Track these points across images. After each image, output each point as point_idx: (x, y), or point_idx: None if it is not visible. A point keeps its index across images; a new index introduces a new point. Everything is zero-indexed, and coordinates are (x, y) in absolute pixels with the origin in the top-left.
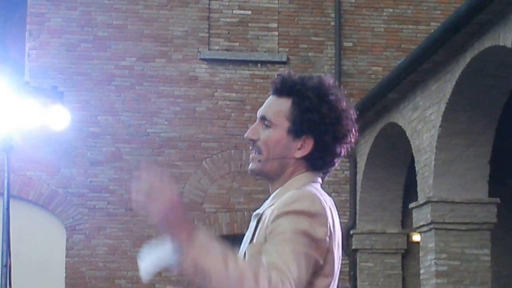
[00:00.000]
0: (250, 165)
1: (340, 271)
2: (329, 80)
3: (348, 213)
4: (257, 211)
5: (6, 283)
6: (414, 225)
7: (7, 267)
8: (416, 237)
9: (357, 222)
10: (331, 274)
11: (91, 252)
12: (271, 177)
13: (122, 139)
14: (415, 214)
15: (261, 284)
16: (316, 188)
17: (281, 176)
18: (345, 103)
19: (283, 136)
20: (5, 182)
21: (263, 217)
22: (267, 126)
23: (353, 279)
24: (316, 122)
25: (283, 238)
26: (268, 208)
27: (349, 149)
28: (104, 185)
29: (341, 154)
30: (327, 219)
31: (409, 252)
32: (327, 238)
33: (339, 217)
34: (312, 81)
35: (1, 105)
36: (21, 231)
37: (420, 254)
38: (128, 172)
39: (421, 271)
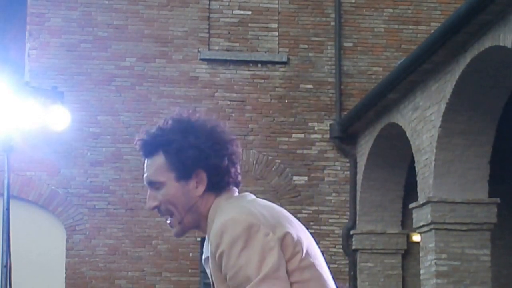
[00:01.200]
0: (174, 231)
1: (340, 271)
2: (184, 112)
3: (348, 213)
4: (203, 256)
5: (6, 283)
6: (414, 225)
7: (7, 267)
8: (416, 237)
9: (357, 222)
10: (300, 248)
11: (91, 252)
12: (194, 225)
13: (122, 139)
14: (415, 214)
15: None
16: (232, 200)
17: (201, 219)
18: (209, 122)
19: (176, 186)
20: (5, 182)
21: (209, 262)
22: (158, 188)
23: (353, 279)
24: (194, 155)
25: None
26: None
27: (236, 156)
28: (104, 185)
29: (236, 163)
30: (256, 223)
31: (409, 252)
32: (270, 235)
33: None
34: (168, 124)
35: (1, 105)
36: (21, 231)
37: (420, 254)
38: (128, 172)
39: (421, 271)
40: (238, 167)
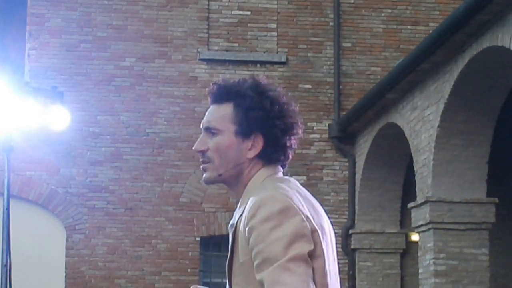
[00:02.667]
0: (204, 175)
1: (339, 271)
2: (264, 79)
3: (347, 213)
4: (231, 221)
5: (6, 283)
6: (413, 225)
7: (7, 266)
8: (414, 237)
9: (356, 221)
10: (321, 255)
11: (90, 251)
12: (229, 182)
13: (122, 139)
14: (413, 214)
15: None
16: (276, 179)
17: (239, 180)
18: (285, 97)
19: (232, 140)
20: (5, 182)
21: (238, 229)
22: (214, 134)
23: (352, 278)
24: (262, 118)
25: (275, 267)
26: (240, 218)
27: (296, 142)
28: (104, 185)
29: (293, 147)
30: (295, 207)
31: (408, 252)
32: (306, 223)
33: (338, 217)
34: (247, 82)
35: (1, 105)
36: (21, 230)
37: (419, 254)
38: (127, 172)
39: (420, 271)
40: (292, 151)
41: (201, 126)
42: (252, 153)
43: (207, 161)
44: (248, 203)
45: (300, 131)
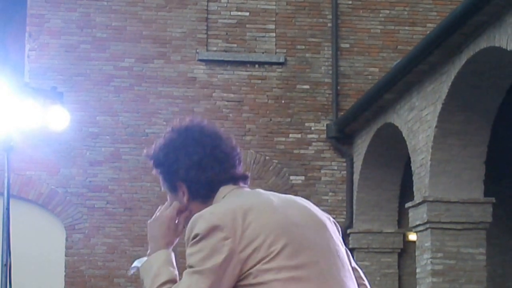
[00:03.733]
0: None
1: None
2: (178, 124)
3: (345, 212)
4: None
5: (6, 282)
6: (410, 225)
7: (7, 266)
8: (412, 236)
9: (353, 221)
10: (284, 267)
11: (90, 251)
12: None
13: (121, 139)
14: (411, 213)
15: None
16: (222, 200)
17: None
18: (182, 134)
19: (171, 196)
20: (5, 182)
21: None
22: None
23: None
24: (165, 171)
25: (184, 274)
26: None
27: (227, 157)
28: (103, 184)
29: (230, 169)
30: (222, 226)
31: (406, 251)
32: (231, 242)
33: (336, 217)
34: (163, 138)
35: (1, 105)
36: (21, 230)
37: (416, 253)
38: (127, 172)
39: (417, 270)
40: (225, 165)
41: None
42: (185, 199)
43: None
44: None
45: (220, 153)
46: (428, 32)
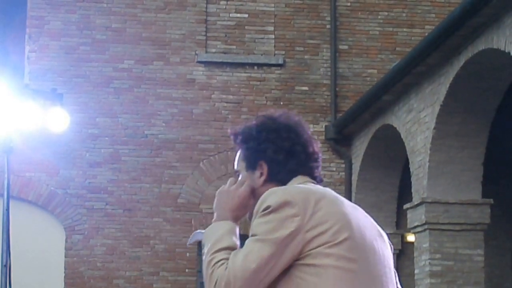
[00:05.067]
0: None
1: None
2: (270, 113)
3: None
4: None
5: (6, 283)
6: (409, 226)
7: (7, 267)
8: (410, 238)
9: None
10: (343, 257)
11: (89, 252)
12: None
13: (121, 140)
14: (409, 214)
15: (212, 274)
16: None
17: None
18: (285, 121)
19: (246, 175)
20: (5, 183)
21: None
22: (238, 175)
23: None
24: (254, 147)
25: (248, 241)
26: None
27: (311, 156)
28: (103, 186)
29: (308, 161)
30: (295, 203)
31: (404, 253)
32: (300, 221)
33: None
34: (252, 120)
35: (1, 107)
36: (20, 231)
37: (415, 254)
38: (126, 173)
39: (416, 271)
40: (311, 162)
41: None
42: (261, 180)
43: None
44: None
45: (309, 152)
46: (426, 34)
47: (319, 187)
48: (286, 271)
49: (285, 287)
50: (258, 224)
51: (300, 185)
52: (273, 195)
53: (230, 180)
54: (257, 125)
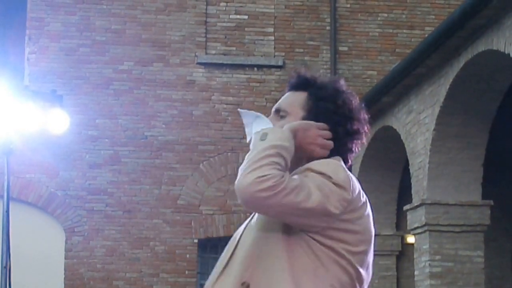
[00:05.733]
0: None
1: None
2: (344, 81)
3: None
4: None
5: (6, 284)
6: (409, 227)
7: (7, 268)
8: (410, 239)
9: None
10: (350, 264)
11: (89, 253)
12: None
13: (120, 142)
14: (409, 216)
15: (267, 167)
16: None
17: (300, 161)
18: (358, 104)
19: (295, 123)
20: (5, 184)
21: None
22: (282, 117)
23: None
24: (331, 111)
25: (310, 178)
26: None
27: (359, 148)
28: (103, 187)
29: (353, 150)
30: (350, 191)
31: (404, 254)
32: (345, 206)
33: None
34: (328, 78)
35: (1, 108)
36: (20, 233)
37: (415, 256)
38: (126, 174)
39: (416, 273)
40: (352, 156)
41: (273, 109)
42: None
43: None
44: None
45: (364, 139)
46: (426, 35)
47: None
48: (296, 235)
49: (295, 247)
50: (321, 180)
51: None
52: (335, 169)
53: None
54: (343, 92)
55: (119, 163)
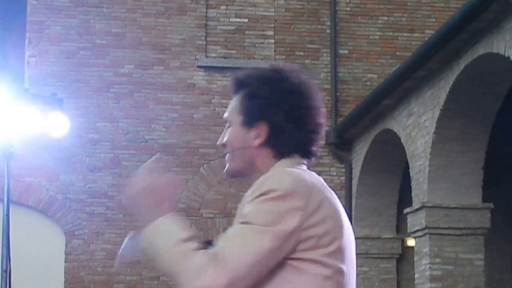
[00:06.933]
0: (225, 168)
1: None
2: (285, 66)
3: None
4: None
5: None
6: (409, 230)
7: (7, 272)
8: (410, 242)
9: (352, 227)
10: (332, 266)
11: (89, 257)
12: (243, 173)
13: (121, 145)
14: (409, 219)
15: (187, 263)
16: (299, 169)
17: (254, 170)
18: (302, 87)
19: (239, 130)
20: (5, 188)
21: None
22: (228, 126)
23: None
24: (261, 105)
25: (244, 228)
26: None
27: (317, 134)
28: (103, 191)
29: (310, 140)
30: (302, 195)
31: (404, 257)
32: (304, 214)
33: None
34: (260, 70)
35: (1, 112)
36: (20, 236)
37: (415, 259)
38: (126, 178)
39: (416, 276)
40: (315, 137)
41: None
42: (257, 142)
43: (226, 153)
44: (259, 179)
45: (316, 115)
46: (426, 38)
47: (318, 179)
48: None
49: (266, 283)
50: (257, 210)
51: (303, 173)
52: (279, 178)
53: (145, 168)
54: (270, 81)
55: (120, 167)
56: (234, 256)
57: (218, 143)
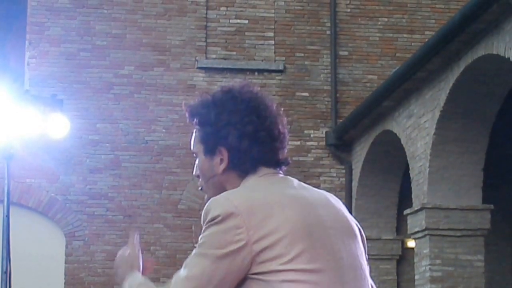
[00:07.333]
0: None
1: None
2: (234, 85)
3: None
4: None
5: None
6: (409, 232)
7: (7, 273)
8: (411, 243)
9: None
10: (300, 270)
11: (90, 258)
12: None
13: (121, 146)
14: (410, 220)
15: None
16: (248, 184)
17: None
18: (248, 100)
19: (204, 160)
20: (5, 189)
21: None
22: (195, 157)
23: None
24: (213, 131)
25: (194, 255)
26: None
27: (278, 136)
28: (103, 192)
29: (265, 153)
30: (241, 213)
31: (404, 258)
32: (243, 232)
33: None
34: (210, 95)
35: (1, 113)
36: (21, 237)
37: (415, 260)
38: (126, 179)
39: (416, 277)
40: (277, 145)
41: None
42: (221, 168)
43: (200, 185)
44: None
45: (270, 122)
46: (426, 39)
47: (277, 183)
48: (241, 283)
49: None
50: (201, 237)
51: (249, 188)
52: (215, 204)
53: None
54: (216, 105)
55: (120, 168)
56: (184, 283)
57: (193, 174)
